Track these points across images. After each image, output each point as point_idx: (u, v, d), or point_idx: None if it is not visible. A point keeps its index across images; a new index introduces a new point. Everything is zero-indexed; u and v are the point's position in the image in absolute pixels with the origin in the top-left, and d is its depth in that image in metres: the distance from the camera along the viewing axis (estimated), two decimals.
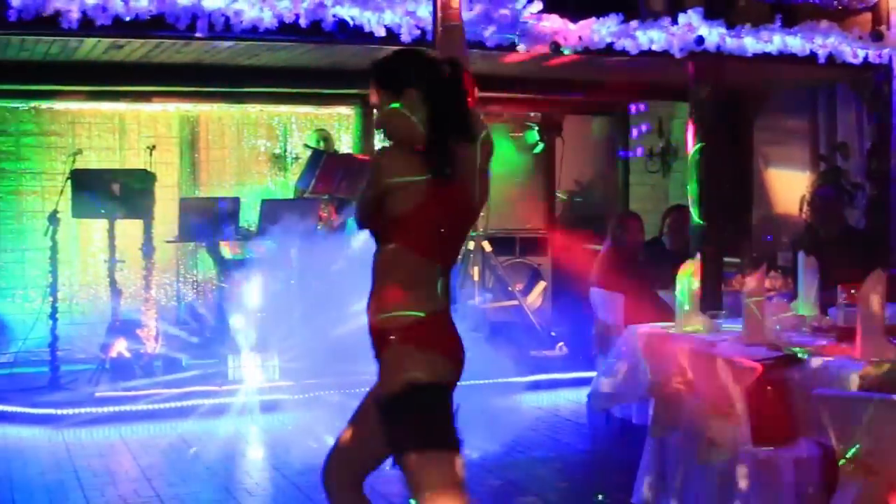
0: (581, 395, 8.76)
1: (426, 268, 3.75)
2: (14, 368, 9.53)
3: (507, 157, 11.43)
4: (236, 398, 8.47)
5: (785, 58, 8.69)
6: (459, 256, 3.92)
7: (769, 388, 4.83)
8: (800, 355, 4.95)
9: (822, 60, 8.79)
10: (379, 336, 3.77)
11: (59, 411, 8.23)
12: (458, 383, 3.82)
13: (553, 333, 10.59)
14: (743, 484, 4.85)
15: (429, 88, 3.80)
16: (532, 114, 11.87)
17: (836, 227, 8.14)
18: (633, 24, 8.36)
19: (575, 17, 8.24)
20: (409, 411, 3.64)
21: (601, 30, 8.25)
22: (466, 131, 3.84)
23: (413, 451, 3.62)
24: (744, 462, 4.84)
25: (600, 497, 6.20)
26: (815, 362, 4.86)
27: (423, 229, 3.73)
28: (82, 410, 8.23)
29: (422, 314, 3.70)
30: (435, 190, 3.69)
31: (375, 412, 3.76)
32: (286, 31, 7.56)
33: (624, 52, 8.25)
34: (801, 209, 10.06)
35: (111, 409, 8.27)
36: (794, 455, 4.80)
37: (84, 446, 7.71)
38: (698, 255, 6.43)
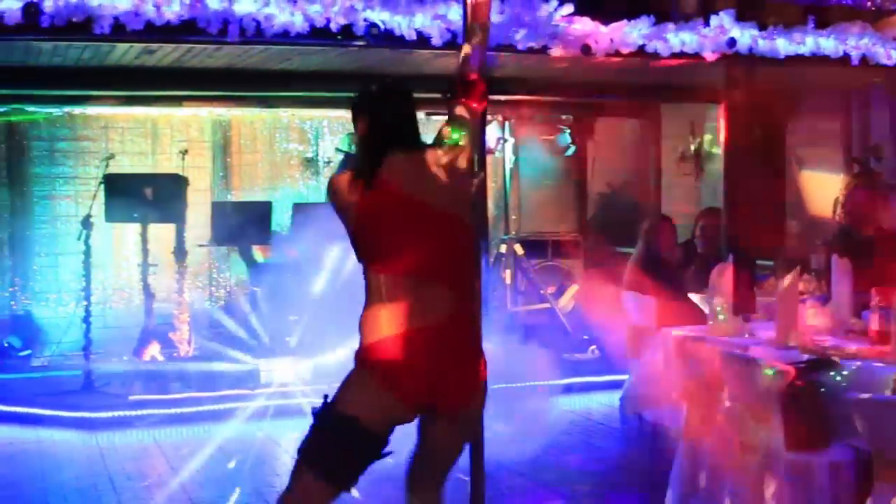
0: (613, 398, 8.71)
1: (388, 283, 3.70)
2: (48, 372, 9.59)
3: (539, 160, 11.41)
4: (269, 401, 8.48)
5: (818, 59, 8.63)
6: (453, 267, 3.78)
7: (803, 391, 4.78)
8: (834, 359, 4.91)
9: (855, 62, 8.73)
10: None
11: (92, 415, 8.26)
12: (428, 404, 3.72)
13: (585, 337, 10.55)
14: (776, 489, 4.81)
15: (368, 110, 3.93)
16: (564, 116, 11.85)
17: (870, 229, 8.07)
18: (665, 26, 8.32)
19: (606, 20, 8.21)
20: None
21: (633, 32, 8.21)
22: (407, 140, 3.85)
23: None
24: (777, 466, 4.80)
25: (632, 500, 6.17)
26: (850, 365, 4.82)
27: (372, 243, 3.76)
28: (116, 414, 8.26)
29: (370, 337, 3.71)
30: (372, 201, 3.72)
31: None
32: (317, 35, 7.56)
33: (656, 55, 8.22)
34: (834, 211, 9.97)
35: (145, 412, 8.29)
36: (828, 459, 4.76)
37: (117, 450, 7.74)
38: (731, 258, 6.39)
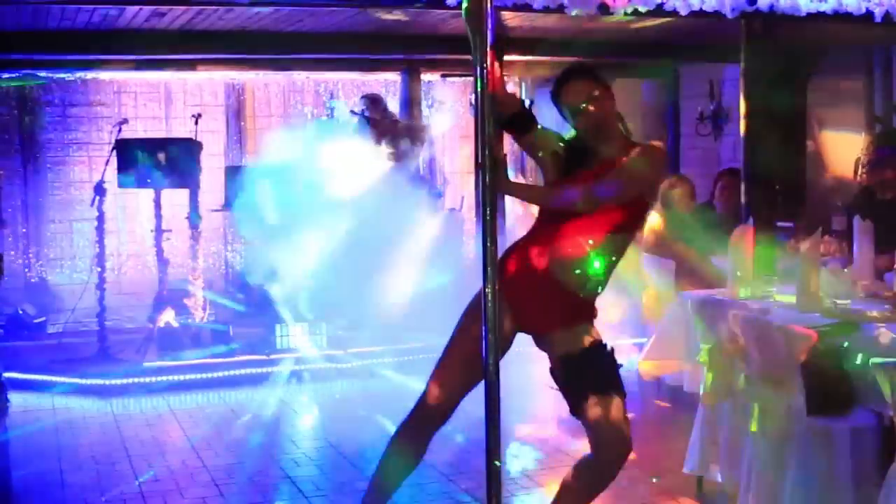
0: (632, 362, 8.65)
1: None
2: (62, 339, 9.59)
3: (557, 120, 11.28)
4: (284, 367, 8.45)
5: (840, 17, 8.46)
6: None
7: (824, 356, 4.69)
8: (856, 322, 4.82)
9: (878, 19, 8.55)
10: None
11: (107, 382, 8.25)
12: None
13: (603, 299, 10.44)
14: (797, 454, 4.73)
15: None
16: None
17: (892, 189, 7.94)
18: None
19: None
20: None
21: None
22: None
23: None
24: (798, 432, 4.72)
25: (650, 465, 6.11)
26: (872, 329, 4.72)
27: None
28: (130, 381, 8.25)
29: None
30: None
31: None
32: None
33: (674, 13, 8.06)
34: (856, 172, 9.85)
35: (159, 379, 8.28)
36: (850, 425, 4.67)
37: (132, 417, 7.73)
38: (751, 220, 6.28)
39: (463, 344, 4.38)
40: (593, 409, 4.31)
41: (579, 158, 4.48)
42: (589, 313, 4.51)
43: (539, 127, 4.53)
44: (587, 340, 4.43)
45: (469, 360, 4.13)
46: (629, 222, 4.43)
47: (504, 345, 4.31)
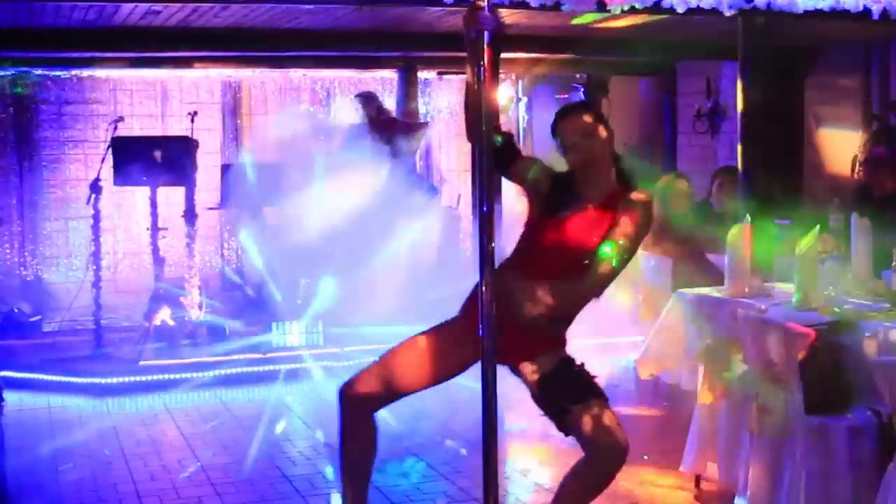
0: (629, 359, 8.65)
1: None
2: (58, 337, 9.57)
3: (553, 118, 11.28)
4: (280, 366, 8.43)
5: (837, 14, 8.45)
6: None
7: (822, 354, 4.68)
8: (854, 320, 4.80)
9: (876, 16, 8.54)
10: None
11: (102, 380, 8.23)
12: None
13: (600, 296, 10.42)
14: (794, 452, 4.72)
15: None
16: (578, 75, 11.72)
17: (889, 187, 7.93)
18: None
19: None
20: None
21: None
22: None
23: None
24: (796, 430, 4.70)
25: (647, 463, 6.09)
26: (870, 327, 4.71)
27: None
28: (126, 379, 8.23)
29: None
30: None
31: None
32: None
33: (672, 10, 8.05)
34: (853, 169, 9.83)
35: (155, 377, 8.26)
36: (848, 423, 4.65)
37: (128, 415, 7.71)
38: (748, 218, 6.27)
39: (408, 350, 4.41)
40: (578, 421, 4.31)
41: (567, 196, 4.44)
42: (562, 343, 4.57)
43: (526, 158, 4.57)
44: (555, 360, 4.47)
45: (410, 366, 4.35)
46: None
47: (459, 369, 4.46)
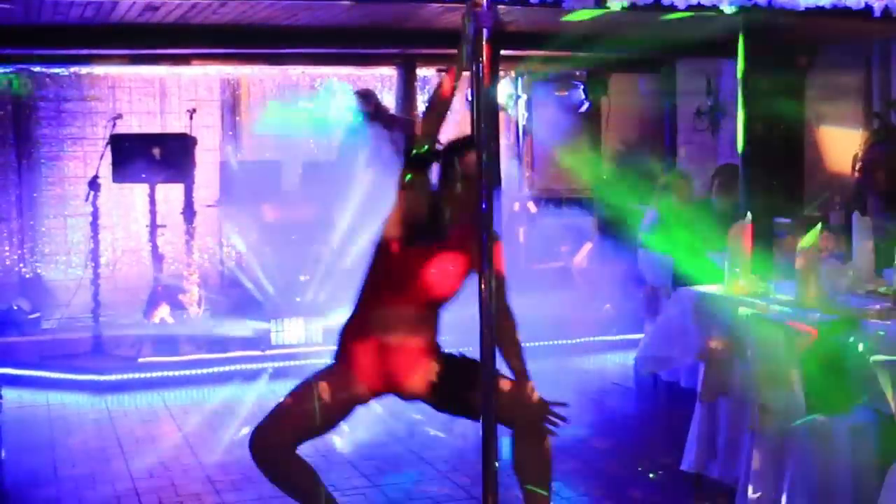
0: (628, 357, 8.64)
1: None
2: (56, 334, 9.53)
3: (553, 116, 11.26)
4: (279, 363, 8.41)
5: (839, 11, 8.43)
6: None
7: (824, 353, 4.66)
8: (856, 319, 4.78)
9: (877, 14, 8.53)
10: None
11: (101, 377, 8.23)
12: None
13: (600, 295, 10.43)
14: (796, 452, 4.70)
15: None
16: (578, 72, 11.69)
17: (886, 185, 7.95)
18: None
19: None
20: None
21: None
22: None
23: None
24: (797, 429, 4.68)
25: (650, 475, 6.07)
26: (872, 326, 4.69)
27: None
28: (125, 376, 8.23)
29: None
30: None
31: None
32: None
33: (672, 7, 8.03)
34: (853, 167, 9.82)
35: (154, 374, 8.25)
36: (849, 423, 4.64)
37: (126, 412, 7.69)
38: (748, 216, 6.25)
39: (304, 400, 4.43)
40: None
41: (435, 223, 4.41)
42: (438, 345, 4.61)
43: (426, 179, 4.46)
44: (438, 363, 4.52)
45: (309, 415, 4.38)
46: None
47: (349, 411, 4.52)
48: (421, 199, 4.37)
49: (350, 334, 4.49)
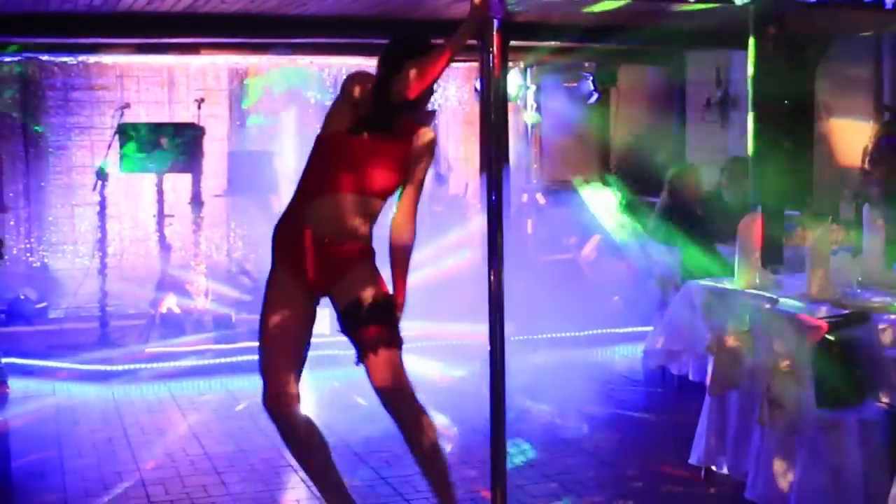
0: (637, 350, 8.60)
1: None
2: (63, 324, 9.54)
3: (562, 107, 11.23)
4: None
5: (849, 3, 8.38)
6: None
7: (834, 347, 4.63)
8: (866, 313, 4.76)
9: (888, 6, 8.47)
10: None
11: (108, 367, 8.20)
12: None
13: (608, 287, 10.40)
14: (805, 446, 4.68)
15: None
16: (587, 63, 11.66)
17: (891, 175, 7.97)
18: None
19: None
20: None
21: None
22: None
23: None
24: (807, 423, 4.66)
25: (656, 456, 6.05)
26: (882, 320, 4.67)
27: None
28: (132, 367, 8.20)
29: None
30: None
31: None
32: None
33: None
34: (863, 160, 9.78)
35: (160, 365, 8.22)
36: (858, 417, 4.62)
37: (133, 403, 7.68)
38: (758, 208, 6.22)
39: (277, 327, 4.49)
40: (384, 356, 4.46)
41: (380, 113, 4.39)
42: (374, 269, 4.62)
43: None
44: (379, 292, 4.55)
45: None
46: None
47: (313, 313, 4.64)
48: (367, 89, 4.38)
49: (284, 231, 4.51)
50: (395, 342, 4.48)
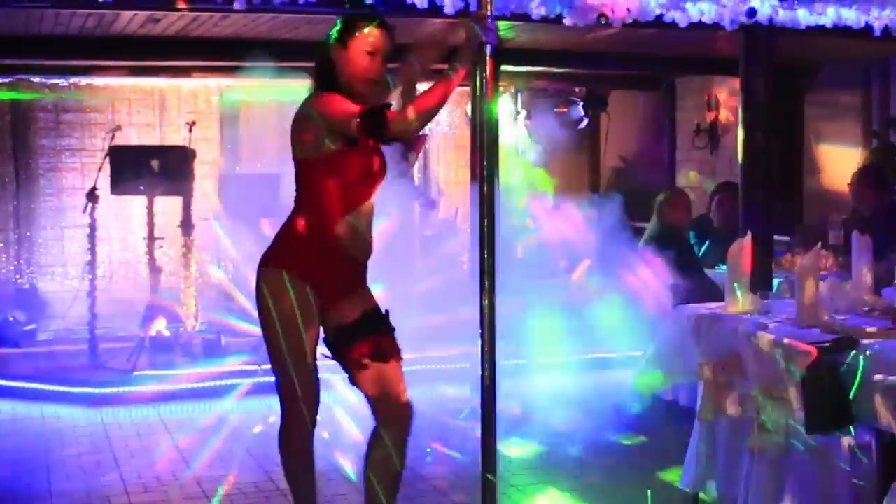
0: (627, 375, 8.61)
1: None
2: (53, 346, 9.54)
3: (552, 132, 11.26)
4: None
5: (839, 30, 8.44)
6: None
7: (824, 372, 4.64)
8: (856, 339, 4.77)
9: (877, 33, 8.54)
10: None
11: (97, 390, 8.21)
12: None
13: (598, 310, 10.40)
14: (795, 471, 4.69)
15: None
16: (577, 89, 11.70)
17: (876, 205, 8.01)
18: None
19: None
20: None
21: (650, 1, 8.03)
22: None
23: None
24: (796, 449, 4.67)
25: (646, 481, 6.05)
26: (872, 346, 4.68)
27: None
28: (121, 389, 8.21)
29: None
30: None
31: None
32: (326, 3, 7.38)
33: (673, 25, 8.04)
34: (851, 186, 9.84)
35: (150, 388, 8.22)
36: (849, 442, 4.63)
37: (122, 426, 7.66)
38: (748, 234, 6.23)
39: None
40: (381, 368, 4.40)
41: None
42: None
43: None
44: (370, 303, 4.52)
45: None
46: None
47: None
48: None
49: (307, 246, 4.34)
50: (394, 354, 4.45)
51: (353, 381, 4.45)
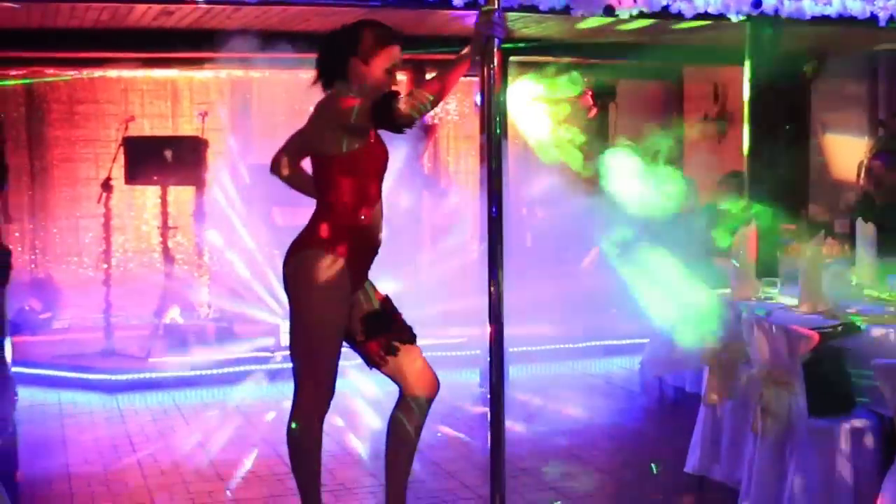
0: (634, 361, 8.70)
1: None
2: (68, 334, 9.62)
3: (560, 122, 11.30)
4: (289, 363, 8.45)
5: (844, 20, 8.49)
6: None
7: (826, 357, 4.73)
8: (858, 324, 4.86)
9: (882, 23, 8.58)
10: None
11: (112, 377, 8.30)
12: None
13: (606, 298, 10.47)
14: (798, 454, 4.77)
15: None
16: (586, 79, 11.74)
17: (890, 194, 8.01)
18: None
19: None
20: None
21: None
22: None
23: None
24: (799, 432, 4.75)
25: (652, 465, 6.13)
26: (874, 332, 4.76)
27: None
28: (136, 376, 8.29)
29: None
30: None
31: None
32: None
33: (680, 15, 8.09)
34: (858, 176, 9.88)
35: (164, 374, 8.31)
36: (851, 426, 4.71)
37: (137, 411, 7.77)
38: (753, 222, 6.31)
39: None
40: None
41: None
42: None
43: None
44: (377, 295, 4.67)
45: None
46: None
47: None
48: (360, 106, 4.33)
49: (341, 236, 4.42)
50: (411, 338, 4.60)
51: (373, 366, 4.60)
